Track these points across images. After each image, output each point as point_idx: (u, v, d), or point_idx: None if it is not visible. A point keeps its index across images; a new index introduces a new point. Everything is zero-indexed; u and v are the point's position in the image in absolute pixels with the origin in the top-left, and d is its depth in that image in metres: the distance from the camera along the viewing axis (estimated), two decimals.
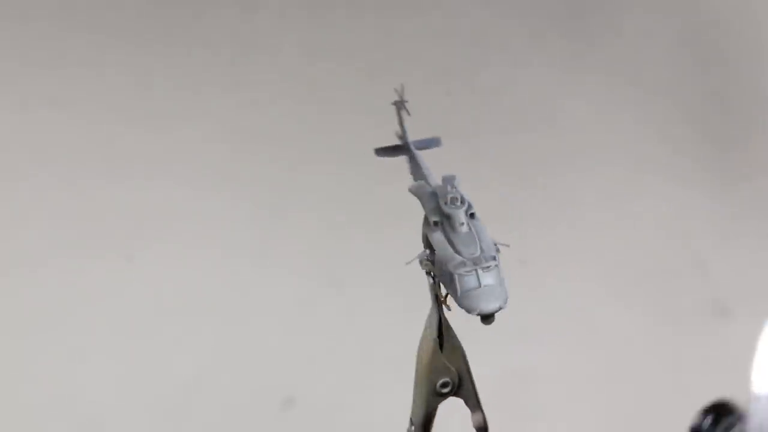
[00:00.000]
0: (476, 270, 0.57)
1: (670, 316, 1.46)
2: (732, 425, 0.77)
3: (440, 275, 0.59)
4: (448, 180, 0.64)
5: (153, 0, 1.54)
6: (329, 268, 1.39)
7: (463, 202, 0.61)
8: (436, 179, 0.66)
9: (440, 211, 0.61)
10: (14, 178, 1.43)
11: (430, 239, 0.61)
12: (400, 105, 0.71)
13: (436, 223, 0.61)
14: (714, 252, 1.52)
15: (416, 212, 1.44)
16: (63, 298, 1.35)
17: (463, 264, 0.58)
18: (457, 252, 0.58)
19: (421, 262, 0.62)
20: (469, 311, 0.57)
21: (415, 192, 0.64)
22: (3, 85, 1.46)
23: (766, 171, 1.60)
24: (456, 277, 0.57)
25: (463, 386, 0.66)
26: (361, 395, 1.27)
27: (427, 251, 0.62)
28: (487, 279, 0.57)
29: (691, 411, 1.38)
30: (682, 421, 1.38)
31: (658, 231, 1.52)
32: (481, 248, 0.59)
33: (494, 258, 0.58)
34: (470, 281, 0.57)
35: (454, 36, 1.61)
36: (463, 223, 0.60)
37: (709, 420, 0.79)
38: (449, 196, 0.61)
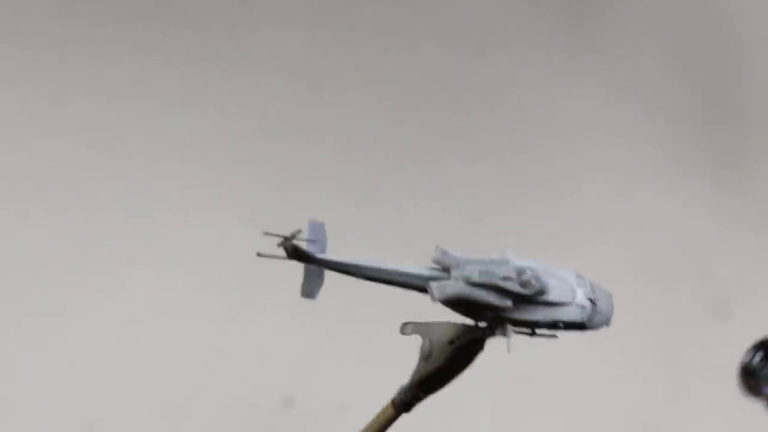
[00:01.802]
0: (593, 303, 0.63)
1: (670, 316, 1.46)
2: None
3: (563, 328, 0.63)
4: (467, 260, 0.62)
5: (152, 4, 1.54)
6: None
7: (523, 273, 0.61)
8: (395, 261, 0.64)
9: (517, 296, 0.61)
10: (14, 177, 1.43)
11: (530, 320, 0.61)
12: (288, 244, 0.63)
13: (517, 300, 0.61)
14: (714, 252, 1.52)
15: (415, 216, 1.44)
16: (63, 298, 1.35)
17: (586, 311, 0.62)
18: (573, 304, 0.62)
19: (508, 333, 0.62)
20: (603, 327, 0.64)
21: (455, 295, 0.60)
22: (3, 85, 1.46)
23: (766, 171, 1.60)
24: (594, 322, 0.63)
25: None
26: (361, 395, 1.27)
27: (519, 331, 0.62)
28: (588, 301, 0.63)
29: (691, 411, 1.38)
30: (682, 421, 1.38)
31: (659, 231, 1.52)
32: (572, 288, 0.62)
33: (581, 281, 0.62)
34: (593, 314, 0.63)
35: (454, 36, 1.61)
36: (548, 285, 0.61)
37: (759, 356, 0.79)
38: (525, 278, 0.61)
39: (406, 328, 0.68)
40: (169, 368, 1.33)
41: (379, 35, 1.59)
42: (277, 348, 1.35)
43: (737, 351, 1.00)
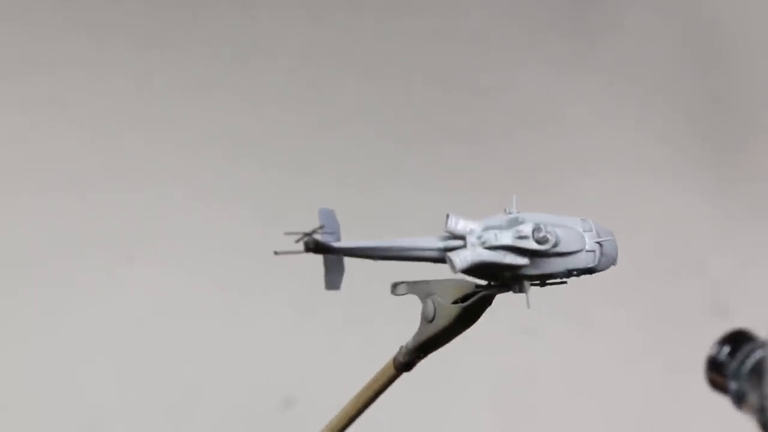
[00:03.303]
0: (600, 246, 0.63)
1: (670, 316, 1.46)
2: (751, 353, 0.75)
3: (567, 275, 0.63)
4: (499, 223, 0.61)
5: (153, 1, 1.54)
6: None
7: (538, 229, 0.61)
8: (411, 238, 0.63)
9: (534, 252, 0.61)
10: (15, 178, 1.43)
11: (546, 274, 0.61)
12: (310, 239, 0.61)
13: (533, 254, 0.61)
14: (714, 252, 1.52)
15: (415, 214, 1.44)
16: (63, 298, 1.35)
17: (596, 255, 0.63)
18: (584, 251, 0.62)
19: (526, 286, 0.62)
20: (609, 267, 0.64)
21: (476, 262, 0.59)
22: (3, 86, 1.46)
23: (766, 172, 1.60)
24: (602, 265, 0.63)
25: None
26: None
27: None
28: (597, 245, 0.64)
29: (690, 411, 1.38)
30: (682, 421, 1.38)
31: (658, 231, 1.52)
32: (580, 235, 0.63)
33: (587, 224, 0.64)
34: (600, 257, 0.64)
35: (454, 36, 1.61)
36: (554, 235, 0.62)
37: (726, 349, 0.77)
38: (541, 235, 0.61)
39: (398, 288, 0.67)
40: (169, 368, 1.33)
41: (380, 29, 1.59)
42: (278, 348, 1.36)
43: None
